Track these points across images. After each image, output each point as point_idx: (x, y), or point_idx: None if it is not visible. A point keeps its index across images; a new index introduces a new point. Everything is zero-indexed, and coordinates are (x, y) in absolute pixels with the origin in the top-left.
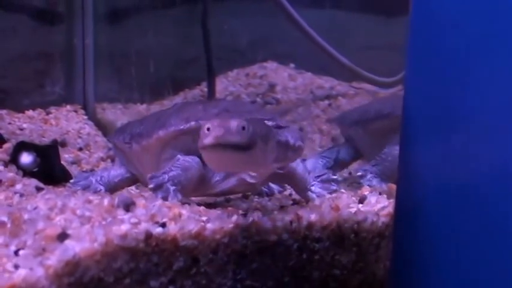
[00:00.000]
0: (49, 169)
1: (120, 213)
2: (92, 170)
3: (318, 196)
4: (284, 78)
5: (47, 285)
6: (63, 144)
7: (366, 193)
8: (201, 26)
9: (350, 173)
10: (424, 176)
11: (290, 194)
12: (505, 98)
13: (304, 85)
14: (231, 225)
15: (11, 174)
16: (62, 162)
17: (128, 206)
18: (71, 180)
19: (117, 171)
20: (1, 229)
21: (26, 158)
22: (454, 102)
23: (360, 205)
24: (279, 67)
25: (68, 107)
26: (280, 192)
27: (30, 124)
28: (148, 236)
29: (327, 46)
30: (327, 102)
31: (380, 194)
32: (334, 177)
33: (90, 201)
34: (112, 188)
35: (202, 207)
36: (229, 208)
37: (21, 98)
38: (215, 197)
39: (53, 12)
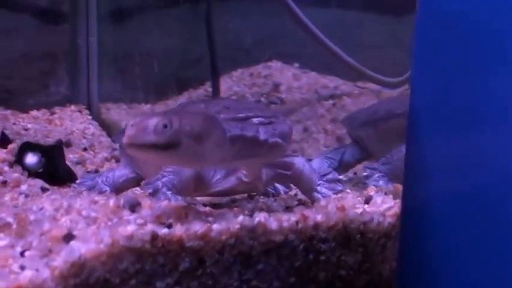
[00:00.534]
0: (54, 169)
1: (126, 214)
2: (96, 171)
3: (323, 197)
4: (289, 77)
5: (52, 287)
6: (68, 144)
7: (371, 193)
8: (205, 26)
9: (355, 173)
10: (431, 176)
11: (295, 194)
12: None
13: (309, 85)
14: (237, 226)
15: (16, 175)
16: (67, 162)
17: (134, 207)
18: (77, 181)
19: (122, 172)
20: (7, 230)
21: (31, 159)
22: (461, 102)
23: (366, 205)
24: (283, 67)
25: (73, 107)
26: (286, 192)
27: (35, 124)
28: (154, 237)
29: (332, 46)
30: (331, 101)
31: (386, 194)
32: (340, 177)
33: (95, 202)
34: (117, 189)
35: (208, 208)
36: (235, 209)
37: (26, 98)
38: (220, 198)
39: (57, 12)
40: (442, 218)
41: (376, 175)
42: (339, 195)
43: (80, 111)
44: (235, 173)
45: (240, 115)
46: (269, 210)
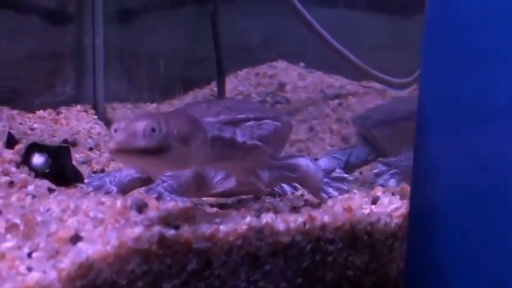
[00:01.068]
0: (61, 170)
1: (133, 215)
2: (102, 170)
3: (330, 197)
4: (294, 77)
5: None
6: (74, 144)
7: (378, 194)
8: (211, 25)
9: (361, 173)
10: (439, 177)
11: (302, 195)
12: None
13: (314, 84)
14: (244, 227)
15: (23, 176)
16: (73, 162)
17: (141, 208)
18: (86, 180)
19: (127, 172)
20: (14, 231)
21: (37, 159)
22: (470, 102)
23: (373, 206)
24: (288, 66)
25: (78, 106)
26: (292, 193)
27: (41, 124)
28: (162, 238)
29: (338, 46)
30: (337, 101)
31: (393, 194)
32: (345, 175)
33: (102, 203)
34: (124, 189)
35: (215, 209)
36: (242, 209)
37: (32, 98)
38: (226, 198)
39: (63, 12)
40: (450, 219)
41: (390, 172)
42: (346, 195)
43: (86, 111)
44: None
45: (240, 116)
46: (275, 210)
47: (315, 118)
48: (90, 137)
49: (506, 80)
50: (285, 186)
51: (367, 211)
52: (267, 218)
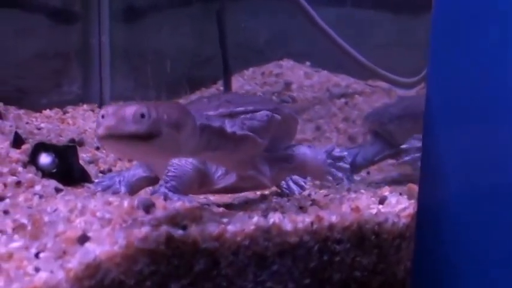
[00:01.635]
0: (68, 170)
1: (141, 215)
2: (109, 170)
3: (336, 179)
4: (300, 76)
5: None
6: (81, 143)
7: (386, 194)
8: (217, 24)
9: (368, 173)
10: (447, 176)
11: (309, 195)
12: None
13: (320, 83)
14: (252, 227)
15: (30, 175)
16: (80, 161)
17: (148, 208)
18: (96, 180)
19: (135, 171)
20: (21, 231)
21: (44, 159)
22: (478, 101)
23: (380, 206)
24: (294, 65)
25: (85, 106)
26: (300, 193)
27: (48, 124)
28: (169, 238)
29: (345, 45)
30: (343, 100)
31: (400, 194)
32: (345, 153)
33: (109, 203)
34: (132, 188)
35: (222, 209)
36: (249, 209)
37: (39, 98)
38: (233, 197)
39: (69, 11)
40: (458, 218)
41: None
42: (353, 195)
43: (93, 110)
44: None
45: (238, 109)
46: (282, 210)
47: (321, 117)
48: None
49: None
50: (292, 186)
51: (374, 211)
52: (274, 218)
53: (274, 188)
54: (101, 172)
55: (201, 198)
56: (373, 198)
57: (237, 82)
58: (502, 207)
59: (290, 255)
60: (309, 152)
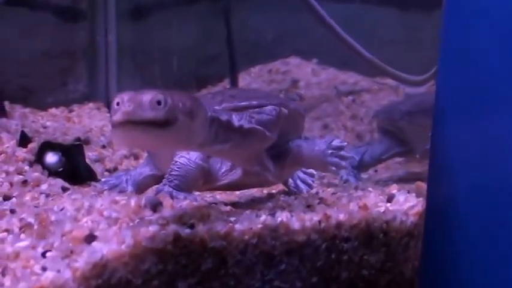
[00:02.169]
0: (74, 168)
1: (148, 214)
2: (115, 168)
3: (336, 168)
4: (307, 73)
5: None
6: (87, 142)
7: (393, 192)
8: (224, 22)
9: (376, 171)
10: (457, 173)
11: (317, 193)
12: None
13: (328, 80)
14: (259, 226)
15: (36, 174)
16: (86, 160)
17: (155, 207)
18: (103, 179)
19: (142, 169)
20: (28, 230)
21: (51, 158)
22: (489, 97)
23: (388, 204)
24: (302, 63)
25: (91, 104)
26: (308, 191)
27: (54, 122)
28: (177, 237)
29: (352, 42)
30: (351, 98)
31: (408, 192)
32: (344, 143)
33: (116, 202)
34: (139, 186)
35: (229, 207)
36: (256, 207)
37: (45, 96)
38: (240, 196)
39: (76, 9)
40: (468, 217)
41: None
42: (360, 193)
43: (99, 109)
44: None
45: (242, 103)
46: (290, 208)
47: (329, 115)
48: (103, 135)
49: None
50: (300, 184)
51: (382, 209)
52: (282, 216)
53: (281, 186)
54: (107, 171)
55: (208, 196)
56: (381, 196)
57: (244, 80)
58: None
59: (297, 254)
60: (305, 144)
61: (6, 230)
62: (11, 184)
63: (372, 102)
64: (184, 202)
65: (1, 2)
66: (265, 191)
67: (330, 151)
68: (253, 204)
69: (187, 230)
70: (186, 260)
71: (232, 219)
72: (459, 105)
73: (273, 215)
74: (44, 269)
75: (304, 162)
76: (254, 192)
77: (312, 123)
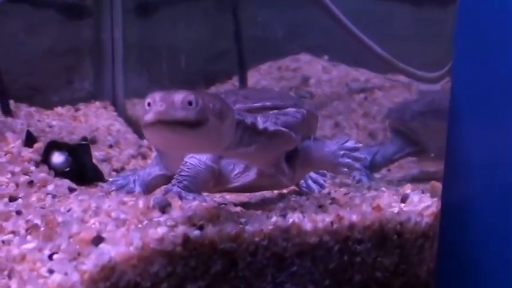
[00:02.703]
0: (81, 168)
1: (156, 216)
2: (122, 168)
3: (349, 169)
4: (318, 70)
5: None
6: (93, 141)
7: (407, 191)
8: (232, 18)
9: (389, 170)
10: (473, 173)
11: (329, 193)
12: None
13: (339, 78)
14: (270, 227)
15: (42, 175)
16: (93, 160)
17: (164, 208)
18: (110, 179)
19: (151, 169)
20: (35, 232)
21: (57, 158)
22: (506, 95)
23: (402, 204)
24: (312, 59)
25: (97, 103)
26: (319, 191)
27: (60, 121)
28: (186, 239)
29: (364, 38)
30: (362, 95)
31: (423, 192)
32: (359, 145)
33: (124, 203)
34: (148, 187)
35: (239, 208)
36: (267, 208)
37: (50, 95)
38: (250, 197)
39: (81, 6)
40: (485, 217)
41: None
42: (373, 193)
43: (105, 108)
44: (254, 165)
45: (256, 104)
46: (301, 209)
47: (340, 113)
48: (110, 134)
49: None
50: (312, 184)
51: (396, 210)
52: (293, 217)
53: (292, 187)
54: (115, 171)
55: (218, 197)
56: (394, 197)
57: (253, 77)
58: None
59: (309, 255)
60: (313, 145)
61: (13, 232)
62: (17, 185)
63: (384, 99)
64: (194, 203)
65: None
66: (276, 191)
67: (341, 152)
68: (264, 204)
69: (197, 232)
70: (195, 262)
71: (242, 220)
72: (475, 103)
73: (284, 216)
74: (51, 271)
75: (314, 164)
76: (265, 192)
77: (323, 121)
